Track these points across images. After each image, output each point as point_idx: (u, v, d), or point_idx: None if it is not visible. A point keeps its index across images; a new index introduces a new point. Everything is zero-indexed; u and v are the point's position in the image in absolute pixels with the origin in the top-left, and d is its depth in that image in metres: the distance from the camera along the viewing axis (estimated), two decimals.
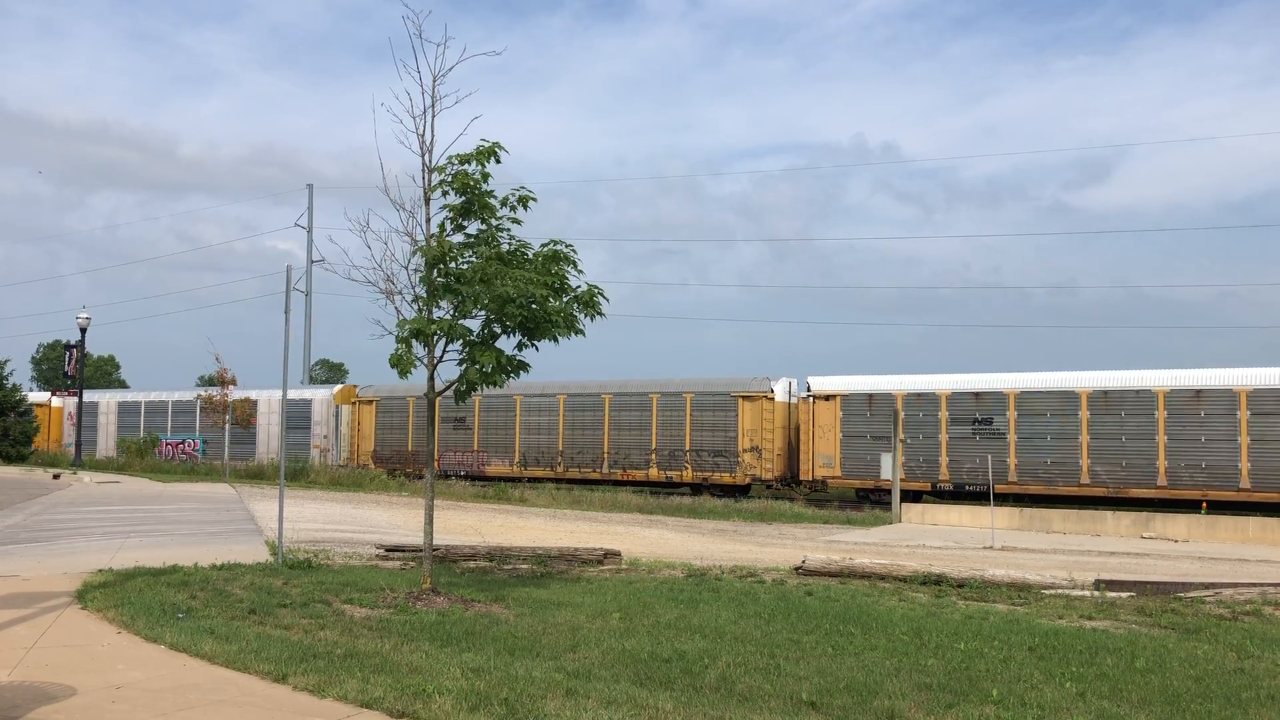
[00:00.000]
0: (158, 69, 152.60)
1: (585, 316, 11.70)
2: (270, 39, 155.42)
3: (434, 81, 11.65)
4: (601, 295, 11.72)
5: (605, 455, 35.97)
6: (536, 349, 11.72)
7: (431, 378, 11.81)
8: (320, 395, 43.59)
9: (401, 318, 11.56)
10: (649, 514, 28.14)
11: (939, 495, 30.97)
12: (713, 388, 34.92)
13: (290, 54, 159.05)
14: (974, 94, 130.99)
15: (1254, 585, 13.55)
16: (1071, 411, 29.44)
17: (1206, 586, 13.46)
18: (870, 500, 31.70)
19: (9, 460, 46.57)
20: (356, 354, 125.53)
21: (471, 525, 22.85)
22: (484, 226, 11.45)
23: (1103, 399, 28.97)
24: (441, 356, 11.73)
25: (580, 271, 11.68)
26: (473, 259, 11.24)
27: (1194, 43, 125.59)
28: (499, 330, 11.51)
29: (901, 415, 30.99)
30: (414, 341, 11.34)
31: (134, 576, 12.24)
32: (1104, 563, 17.97)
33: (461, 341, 11.48)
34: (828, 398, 32.94)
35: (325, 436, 42.84)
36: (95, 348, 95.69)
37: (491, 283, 10.84)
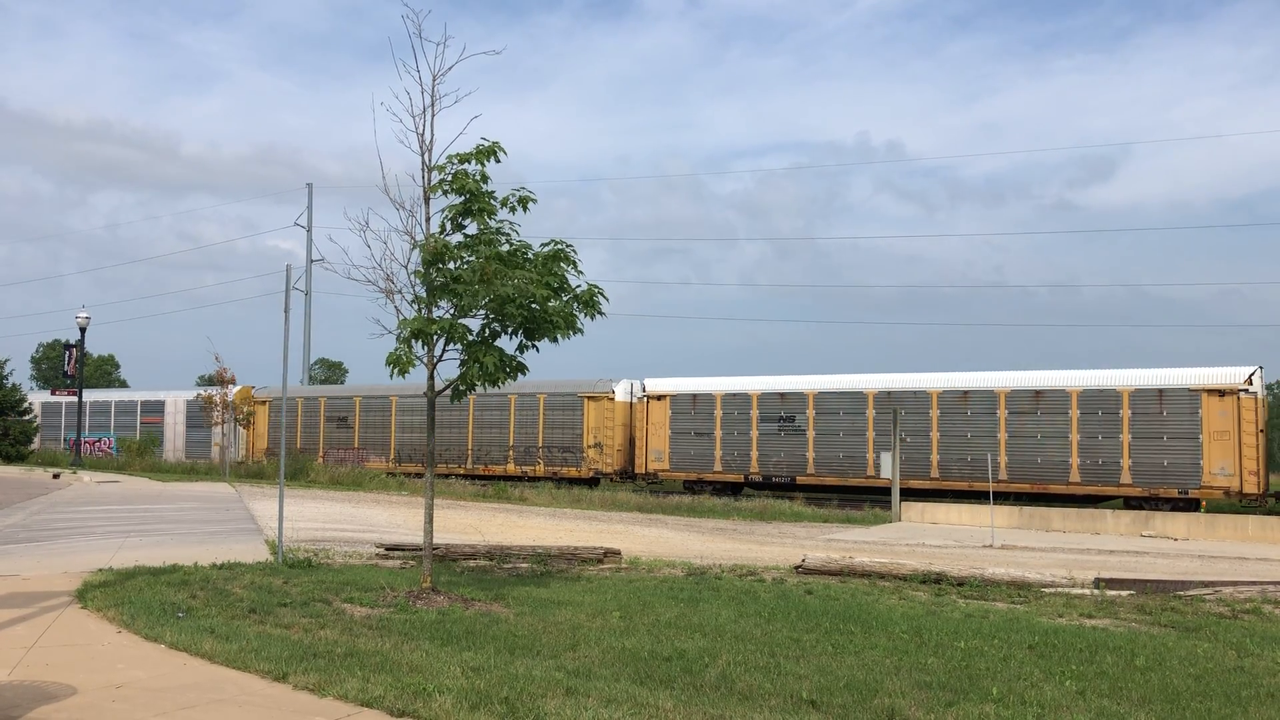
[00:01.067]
0: (156, 68, 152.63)
1: (585, 316, 11.70)
2: (268, 38, 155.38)
3: (433, 81, 11.66)
4: (601, 295, 11.72)
5: (470, 451, 38.97)
6: (537, 349, 11.72)
7: (431, 377, 11.81)
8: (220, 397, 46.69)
9: (402, 317, 11.55)
10: (648, 513, 28.15)
11: (753, 486, 34.28)
12: (562, 389, 37.90)
13: (289, 53, 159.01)
14: (973, 93, 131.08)
15: (1254, 583, 13.56)
16: (860, 410, 32.59)
17: (1206, 585, 13.46)
18: (693, 491, 34.32)
19: (9, 460, 46.56)
20: (355, 353, 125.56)
21: (471, 524, 22.85)
22: (483, 226, 11.44)
23: (886, 398, 32.03)
24: (441, 356, 11.73)
25: (580, 271, 11.68)
26: (472, 259, 11.22)
27: (1193, 41, 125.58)
28: (499, 330, 11.51)
29: (720, 414, 34.66)
30: (414, 341, 11.34)
31: (134, 576, 12.24)
32: (1104, 561, 17.98)
33: (462, 341, 11.49)
34: (659, 398, 35.83)
35: (224, 435, 45.80)
36: (95, 347, 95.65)
37: (491, 283, 10.83)
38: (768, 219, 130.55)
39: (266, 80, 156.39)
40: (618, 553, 16.00)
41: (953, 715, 7.09)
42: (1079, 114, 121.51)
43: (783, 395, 33.81)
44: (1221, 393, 27.98)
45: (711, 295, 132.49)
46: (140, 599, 10.51)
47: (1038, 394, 30.30)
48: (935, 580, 13.77)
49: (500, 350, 11.43)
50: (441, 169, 11.58)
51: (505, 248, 11.34)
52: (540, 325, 11.32)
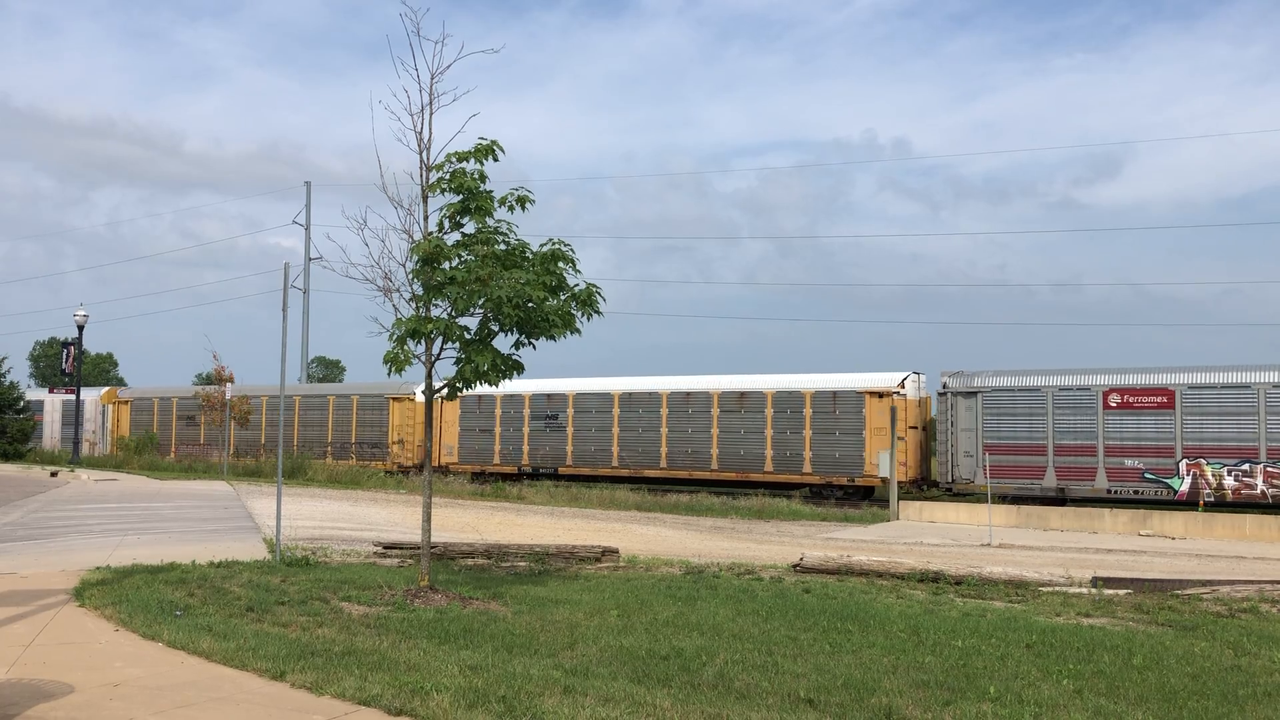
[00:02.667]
0: (154, 65, 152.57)
1: (583, 315, 11.69)
2: (267, 35, 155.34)
3: (432, 79, 11.65)
4: (599, 294, 11.71)
5: (295, 448, 42.40)
6: (534, 347, 11.73)
7: (429, 376, 11.81)
8: (91, 396, 51.54)
9: (398, 316, 11.54)
10: (647, 511, 28.17)
11: (527, 476, 37.17)
12: (372, 391, 42.43)
13: (287, 50, 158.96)
14: (972, 91, 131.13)
15: (1251, 582, 13.57)
16: (607, 410, 36.31)
17: (1204, 584, 13.47)
18: (479, 480, 37.65)
19: (7, 458, 46.50)
20: (353, 351, 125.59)
21: (469, 522, 22.85)
22: (481, 226, 11.44)
23: (628, 399, 35.91)
24: (439, 355, 11.73)
25: (578, 271, 11.68)
26: (469, 258, 11.22)
27: (1192, 40, 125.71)
28: (496, 329, 11.51)
29: (499, 413, 38.43)
30: (409, 340, 11.34)
31: (131, 574, 12.23)
32: (1101, 560, 18.00)
33: (459, 340, 11.49)
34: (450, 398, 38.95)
35: (94, 431, 50.73)
36: (93, 345, 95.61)
37: (488, 283, 10.83)
38: (769, 217, 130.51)
39: (265, 78, 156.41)
40: (615, 551, 16.00)
41: (950, 714, 7.09)
42: (1078, 112, 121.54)
43: (549, 396, 37.25)
44: (881, 394, 31.63)
45: (712, 294, 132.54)
46: (138, 597, 10.51)
47: (742, 395, 34.08)
48: (933, 579, 13.78)
49: (495, 349, 11.43)
50: (440, 168, 11.58)
51: (503, 247, 11.33)
52: (537, 324, 11.32)
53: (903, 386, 31.74)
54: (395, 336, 11.31)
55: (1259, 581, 13.64)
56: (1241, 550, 20.27)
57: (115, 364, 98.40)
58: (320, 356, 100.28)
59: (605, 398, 36.44)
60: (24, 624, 9.35)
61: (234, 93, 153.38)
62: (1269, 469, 26.37)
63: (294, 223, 60.80)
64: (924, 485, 31.90)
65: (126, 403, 50.20)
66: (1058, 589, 13.37)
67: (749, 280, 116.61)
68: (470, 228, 11.58)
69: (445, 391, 11.92)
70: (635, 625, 10.03)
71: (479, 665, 7.91)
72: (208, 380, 46.26)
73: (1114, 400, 28.86)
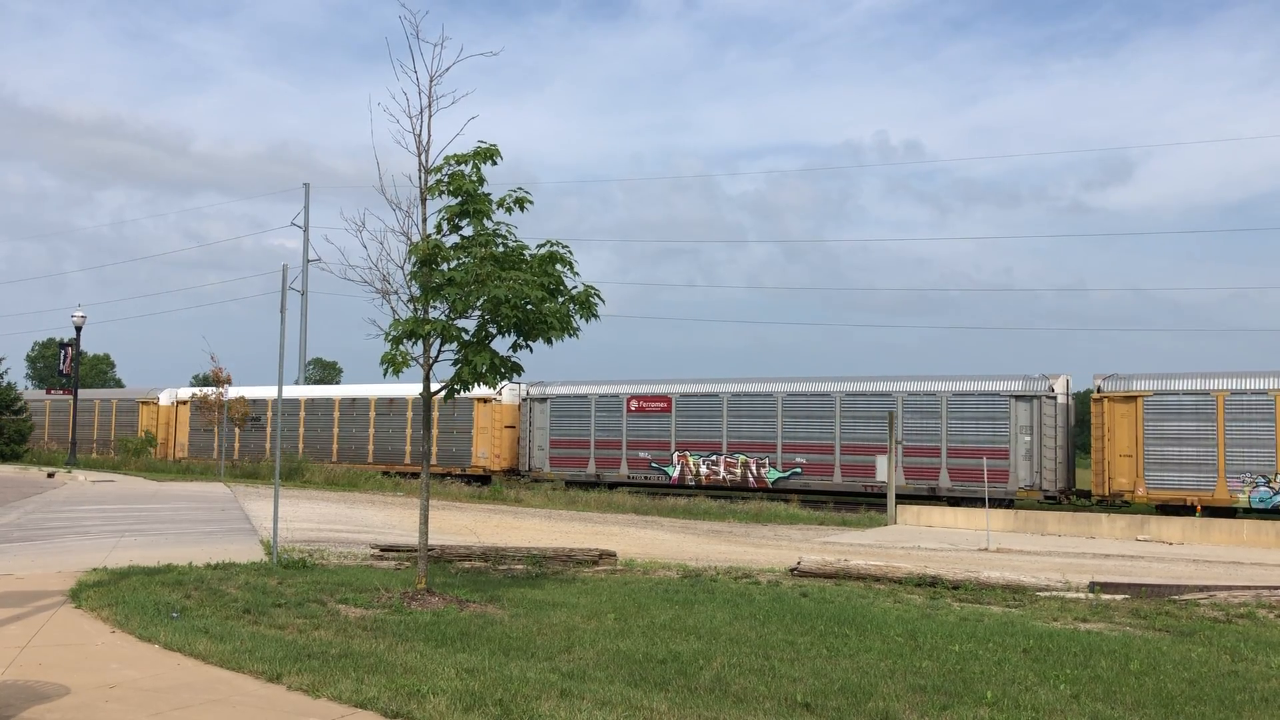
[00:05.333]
0: (153, 67, 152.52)
1: (581, 318, 11.69)
2: (265, 38, 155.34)
3: (431, 81, 11.65)
4: (597, 296, 11.70)
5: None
6: (530, 349, 11.72)
7: (427, 377, 11.80)
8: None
9: (396, 317, 11.54)
10: (644, 514, 28.16)
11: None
12: (126, 396, 51.20)
13: (286, 53, 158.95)
14: (970, 96, 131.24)
15: (1248, 588, 13.58)
16: (295, 413, 43.94)
17: (1201, 589, 13.48)
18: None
19: (3, 458, 46.44)
20: (352, 354, 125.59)
21: (467, 525, 22.83)
22: (479, 228, 11.44)
23: (311, 404, 44.13)
24: (437, 357, 11.72)
25: (576, 273, 11.68)
26: (467, 260, 11.22)
27: (1190, 46, 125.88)
28: (494, 331, 11.51)
29: (270, 415, 44.76)
30: (406, 341, 11.34)
31: (128, 575, 12.21)
32: (1099, 565, 17.99)
33: (456, 342, 11.48)
34: (184, 402, 48.02)
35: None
36: (92, 346, 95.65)
37: (485, 284, 10.83)
38: (772, 221, 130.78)
39: (264, 80, 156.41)
40: (613, 554, 15.99)
41: (947, 719, 7.09)
42: (1076, 117, 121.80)
43: (253, 401, 43.35)
44: (486, 400, 38.59)
45: (715, 297, 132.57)
46: (134, 599, 10.49)
47: (391, 401, 41.34)
48: (930, 583, 13.78)
49: (493, 351, 11.42)
50: (438, 170, 11.58)
51: (501, 249, 11.33)
52: (535, 326, 11.31)
53: (500, 394, 38.53)
54: (392, 337, 11.31)
55: (1256, 587, 13.64)
56: (1239, 556, 20.27)
57: (113, 365, 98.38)
58: (318, 358, 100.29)
59: (293, 403, 43.80)
60: (20, 625, 9.33)
61: (233, 95, 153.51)
62: (727, 459, 34.27)
63: (292, 224, 60.69)
64: (513, 474, 38.74)
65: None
66: (1055, 594, 13.36)
67: (754, 284, 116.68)
68: (469, 230, 11.58)
69: (443, 393, 11.91)
70: (632, 629, 10.02)
71: (476, 668, 7.90)
72: (205, 382, 46.28)
73: (633, 405, 35.98)
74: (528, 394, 38.15)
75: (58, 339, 76.88)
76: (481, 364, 11.23)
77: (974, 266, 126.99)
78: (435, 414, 38.49)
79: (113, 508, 23.66)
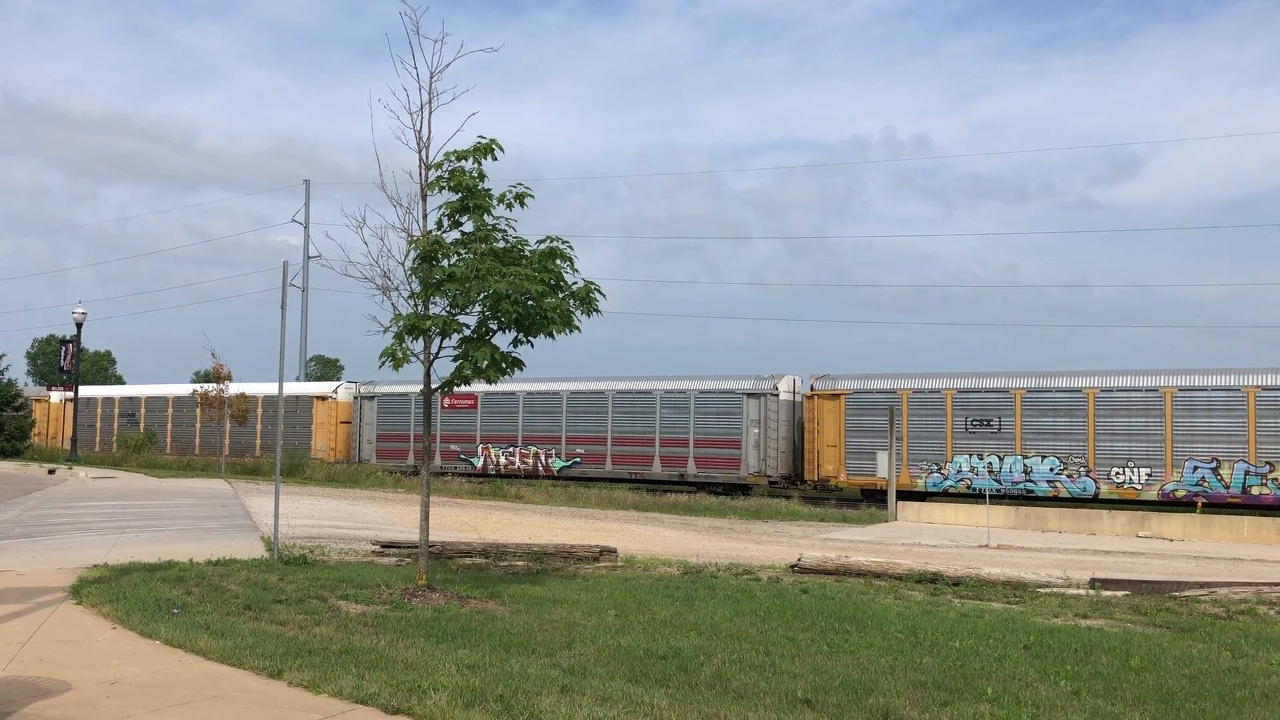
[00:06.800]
0: (152, 63, 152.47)
1: (582, 313, 11.69)
2: (264, 34, 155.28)
3: (431, 78, 11.64)
4: (598, 291, 11.71)
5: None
6: (531, 345, 11.73)
7: (428, 373, 11.80)
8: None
9: (396, 313, 11.54)
10: (645, 511, 28.15)
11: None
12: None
13: (285, 49, 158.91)
14: (970, 92, 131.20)
15: (1249, 584, 13.58)
16: (163, 409, 48.68)
17: (1201, 585, 13.47)
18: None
19: (4, 455, 46.46)
20: (353, 350, 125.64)
21: (467, 522, 22.83)
22: (479, 224, 11.44)
23: (158, 400, 49.00)
24: (438, 353, 11.72)
25: (576, 269, 11.68)
26: (468, 255, 11.22)
27: (1191, 41, 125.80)
28: (495, 326, 11.50)
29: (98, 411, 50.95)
30: (406, 336, 11.34)
31: (129, 572, 12.22)
32: (1099, 561, 17.99)
33: (457, 337, 11.48)
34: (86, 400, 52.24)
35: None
36: (93, 343, 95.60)
37: (486, 279, 10.83)
38: (776, 217, 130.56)
39: (264, 76, 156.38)
40: (614, 551, 15.99)
41: (948, 715, 7.09)
42: (1078, 114, 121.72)
43: (131, 398, 49.87)
44: (324, 398, 43.61)
45: (719, 294, 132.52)
46: (135, 595, 10.50)
47: (250, 397, 43.46)
48: (931, 580, 13.78)
49: (494, 346, 11.43)
50: (439, 166, 11.57)
51: (501, 244, 11.33)
52: (535, 321, 11.32)
53: (335, 393, 43.64)
54: (393, 333, 11.30)
55: (1256, 584, 13.64)
56: (1239, 552, 20.28)
57: (113, 362, 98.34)
58: (319, 355, 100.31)
59: (159, 400, 49.18)
60: (21, 621, 9.34)
61: (234, 91, 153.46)
62: (521, 451, 38.09)
63: (294, 220, 60.68)
64: (344, 464, 41.77)
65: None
66: (1055, 590, 13.36)
67: (757, 281, 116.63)
68: (469, 226, 11.58)
69: (443, 388, 11.91)
70: (633, 625, 10.02)
71: (476, 664, 7.90)
72: (205, 378, 46.30)
73: (446, 403, 38.85)
74: (359, 393, 42.30)
75: (58, 336, 76.86)
76: (482, 359, 11.24)
77: (979, 263, 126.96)
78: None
79: (113, 504, 23.67)
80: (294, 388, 44.89)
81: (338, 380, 43.90)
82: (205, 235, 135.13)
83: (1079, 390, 29.76)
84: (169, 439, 47.70)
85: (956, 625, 10.53)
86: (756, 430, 33.42)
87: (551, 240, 11.59)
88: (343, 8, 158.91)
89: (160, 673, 7.58)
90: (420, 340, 11.56)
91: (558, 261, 11.47)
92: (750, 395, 33.77)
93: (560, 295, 11.48)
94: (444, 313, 11.48)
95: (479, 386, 36.08)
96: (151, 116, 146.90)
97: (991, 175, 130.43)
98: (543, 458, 37.72)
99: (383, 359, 11.24)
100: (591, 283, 11.68)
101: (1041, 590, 13.38)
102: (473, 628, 9.56)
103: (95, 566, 12.67)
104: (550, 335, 11.52)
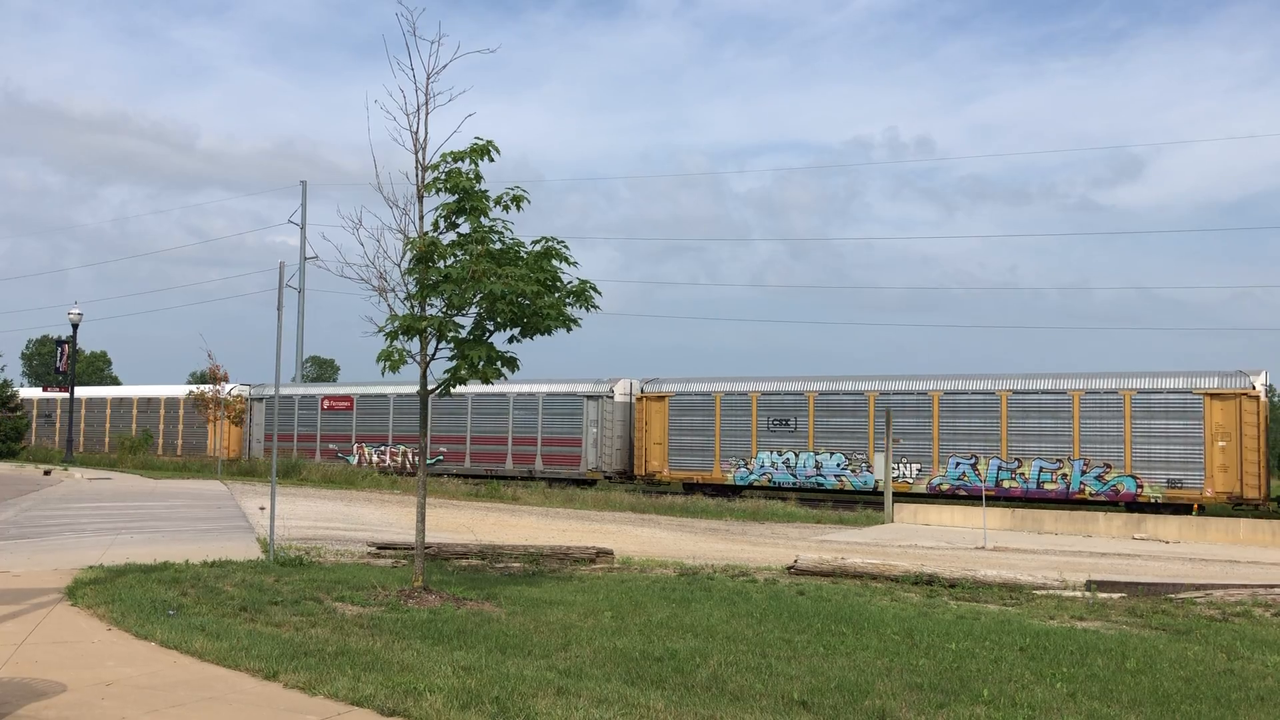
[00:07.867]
0: (149, 63, 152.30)
1: (579, 309, 11.72)
2: (262, 34, 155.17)
3: (428, 79, 11.64)
4: (593, 289, 11.75)
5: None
6: (531, 340, 11.76)
7: (424, 374, 11.80)
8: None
9: (392, 313, 11.54)
10: (641, 513, 28.15)
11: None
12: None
13: (282, 50, 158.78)
14: (967, 94, 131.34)
15: (1244, 587, 13.59)
16: (127, 412, 51.48)
17: (1197, 588, 13.49)
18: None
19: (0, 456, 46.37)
20: (349, 351, 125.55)
21: (464, 523, 22.81)
22: (476, 225, 11.44)
23: (146, 404, 51.30)
24: (434, 353, 11.71)
25: (574, 264, 11.70)
26: (464, 257, 11.22)
27: (1188, 44, 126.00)
28: (490, 327, 11.51)
29: (38, 412, 54.63)
30: (402, 336, 11.34)
31: (125, 573, 12.19)
32: (1095, 563, 18.01)
33: (453, 338, 11.47)
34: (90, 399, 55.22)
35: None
36: (90, 344, 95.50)
37: (481, 280, 10.83)
38: (776, 219, 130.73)
39: (262, 77, 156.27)
40: (610, 552, 15.99)
41: (944, 717, 7.09)
42: (1074, 116, 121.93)
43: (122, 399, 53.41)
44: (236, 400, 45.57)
45: (717, 295, 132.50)
46: (131, 596, 10.48)
47: (150, 401, 50.81)
48: (927, 581, 13.78)
49: (490, 346, 11.43)
50: (435, 167, 11.56)
51: (498, 245, 11.33)
52: (532, 320, 11.33)
53: (230, 394, 43.68)
54: (389, 333, 11.30)
55: (1252, 586, 13.66)
56: (1235, 554, 20.30)
57: (109, 362, 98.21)
58: (315, 356, 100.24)
59: (124, 402, 51.97)
60: (16, 623, 9.32)
61: (232, 91, 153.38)
62: (392, 449, 41.26)
63: (290, 221, 60.62)
64: (236, 462, 43.28)
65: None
66: (1052, 592, 13.38)
67: (757, 282, 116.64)
68: (465, 227, 11.58)
69: (440, 389, 11.91)
70: (629, 627, 10.02)
71: (472, 666, 7.89)
72: (202, 379, 46.35)
73: (326, 405, 43.19)
74: (250, 394, 45.15)
75: (54, 336, 76.75)
76: (478, 359, 11.24)
77: (979, 265, 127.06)
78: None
79: (109, 505, 23.63)
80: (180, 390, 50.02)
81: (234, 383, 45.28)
82: (204, 235, 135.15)
83: (861, 393, 32.50)
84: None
85: (953, 627, 10.53)
86: (595, 429, 36.34)
87: (547, 241, 11.60)
88: (340, 8, 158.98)
89: (156, 674, 7.56)
90: (416, 341, 11.55)
91: (553, 261, 11.49)
92: (590, 397, 36.65)
93: (556, 294, 11.50)
94: (440, 314, 11.48)
95: (356, 389, 42.78)
96: (151, 116, 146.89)
97: (991, 176, 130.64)
98: (410, 456, 40.50)
99: (380, 360, 11.23)
100: (587, 281, 11.71)
101: (1037, 592, 13.39)
102: (469, 629, 9.55)
103: (91, 568, 12.64)
104: (548, 332, 11.55)
